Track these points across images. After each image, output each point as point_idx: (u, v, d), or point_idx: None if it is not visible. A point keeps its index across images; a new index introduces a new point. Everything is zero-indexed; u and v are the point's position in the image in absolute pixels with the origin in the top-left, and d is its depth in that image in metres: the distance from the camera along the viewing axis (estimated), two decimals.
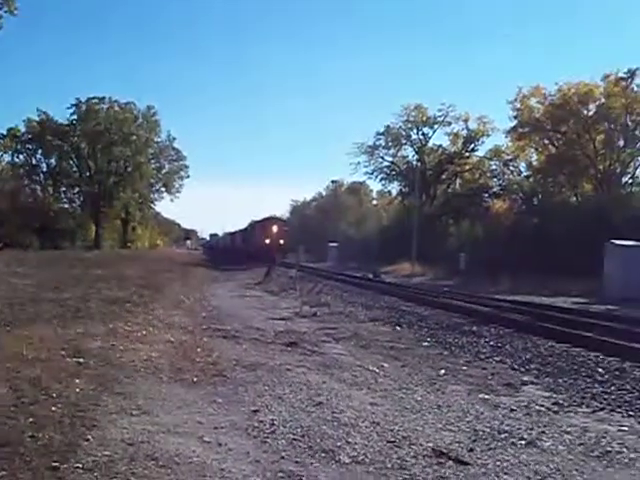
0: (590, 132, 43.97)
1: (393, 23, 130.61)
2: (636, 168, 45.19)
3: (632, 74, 42.20)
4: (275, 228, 52.82)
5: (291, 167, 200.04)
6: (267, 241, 50.28)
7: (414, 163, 60.99)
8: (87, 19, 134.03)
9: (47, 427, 5.29)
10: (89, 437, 5.20)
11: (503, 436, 5.81)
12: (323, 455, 5.19)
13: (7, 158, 71.60)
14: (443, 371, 9.00)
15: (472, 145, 58.61)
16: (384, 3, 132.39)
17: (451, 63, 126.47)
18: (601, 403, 7.28)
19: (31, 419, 5.48)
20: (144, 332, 11.16)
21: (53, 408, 5.88)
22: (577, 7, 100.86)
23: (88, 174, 72.53)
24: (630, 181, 45.43)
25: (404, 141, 61.57)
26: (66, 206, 73.54)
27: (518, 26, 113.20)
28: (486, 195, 57.33)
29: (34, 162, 73.30)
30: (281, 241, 51.56)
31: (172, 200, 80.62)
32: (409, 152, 62.71)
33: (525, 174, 54.39)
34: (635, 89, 42.73)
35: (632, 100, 42.31)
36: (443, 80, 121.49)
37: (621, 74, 42.77)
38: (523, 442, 5.66)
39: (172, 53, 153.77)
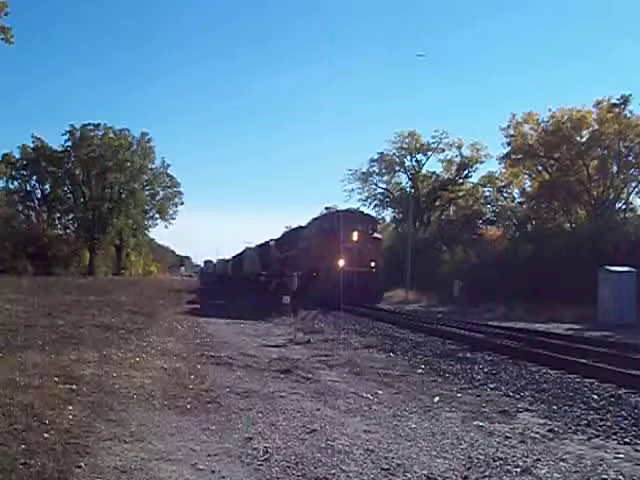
0: (583, 158, 44.22)
1: (389, 44, 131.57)
2: (629, 194, 45.41)
3: (625, 100, 42.55)
4: (358, 235, 29.97)
5: (285, 194, 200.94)
6: (339, 263, 28.21)
7: (408, 190, 61.27)
8: (83, 44, 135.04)
9: (39, 454, 5.25)
10: (82, 464, 5.17)
11: (498, 464, 5.79)
12: None
13: (1, 184, 71.74)
14: (437, 398, 8.96)
15: (466, 172, 58.99)
16: (377, 24, 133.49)
17: (445, 88, 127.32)
18: (597, 430, 7.25)
19: (23, 446, 5.44)
20: (137, 359, 11.11)
21: (46, 435, 5.84)
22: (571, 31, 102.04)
23: (82, 200, 72.56)
24: (624, 207, 45.59)
25: (398, 168, 61.94)
26: (60, 232, 73.56)
27: (513, 50, 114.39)
28: (480, 222, 57.56)
29: (28, 188, 73.54)
30: (372, 264, 29.81)
31: (166, 227, 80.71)
32: (403, 179, 63.09)
33: (519, 200, 54.65)
34: (628, 115, 43.05)
35: (625, 126, 42.60)
36: (437, 105, 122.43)
37: (614, 100, 43.12)
38: (518, 470, 5.63)
39: (165, 79, 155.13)
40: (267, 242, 51.09)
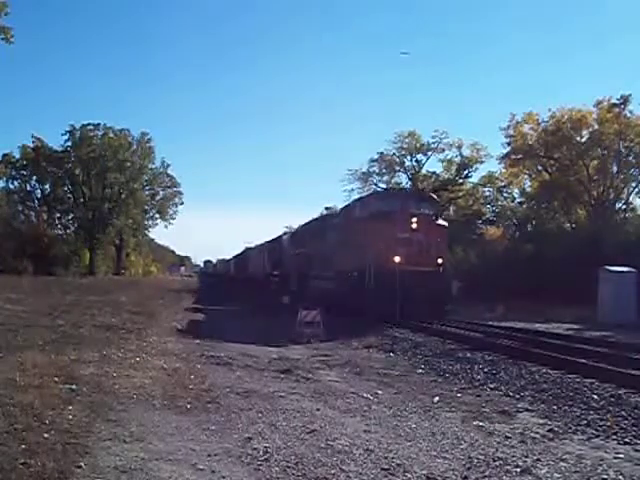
0: (583, 158, 44.20)
1: (389, 43, 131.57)
2: (629, 194, 45.39)
3: (625, 100, 42.54)
4: (419, 222, 22.08)
5: (285, 194, 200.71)
6: (394, 259, 20.89)
7: (408, 190, 61.11)
8: (83, 45, 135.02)
9: (39, 454, 5.25)
10: (81, 464, 5.17)
11: (498, 464, 5.79)
12: None
13: (1, 184, 71.66)
14: (437, 398, 8.97)
15: (466, 172, 58.78)
16: (377, 22, 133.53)
17: (445, 88, 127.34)
18: (597, 430, 7.25)
19: (23, 446, 5.44)
20: (137, 359, 11.11)
21: (46, 435, 5.84)
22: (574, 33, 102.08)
23: (82, 200, 72.48)
24: (624, 207, 45.59)
25: (398, 168, 61.72)
26: (60, 232, 73.43)
27: (513, 50, 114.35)
28: (480, 222, 57.47)
29: (28, 188, 73.44)
30: (439, 260, 22.26)
31: (166, 227, 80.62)
32: (403, 179, 62.80)
33: (519, 200, 54.61)
34: (628, 115, 43.03)
35: (625, 126, 42.56)
36: (437, 105, 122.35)
37: (614, 100, 43.11)
38: (518, 470, 5.63)
39: (165, 79, 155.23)
40: (279, 237, 44.41)
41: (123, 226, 73.70)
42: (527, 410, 8.36)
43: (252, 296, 35.57)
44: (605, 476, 5.56)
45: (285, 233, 44.99)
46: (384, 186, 61.54)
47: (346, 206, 29.39)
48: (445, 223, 24.82)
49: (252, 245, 61.66)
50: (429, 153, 59.95)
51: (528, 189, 52.39)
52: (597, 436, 7.02)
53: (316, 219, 36.44)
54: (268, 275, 44.14)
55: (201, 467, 5.40)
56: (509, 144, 48.83)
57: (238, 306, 28.68)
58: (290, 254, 37.00)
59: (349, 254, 23.79)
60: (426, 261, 21.54)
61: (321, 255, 28.60)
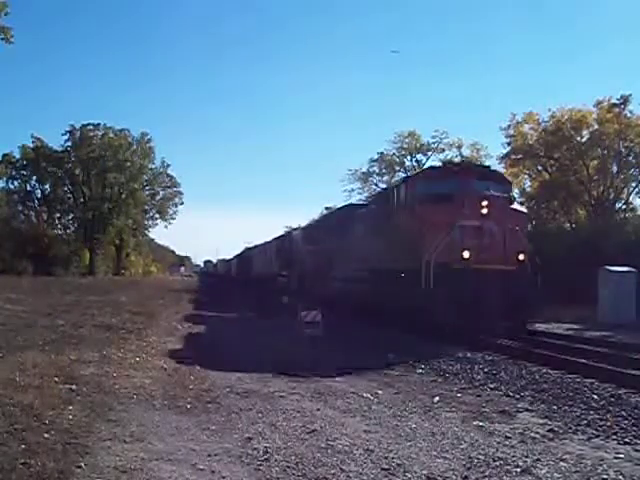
0: (583, 158, 44.15)
1: (390, 41, 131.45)
2: (630, 194, 45.30)
3: (625, 100, 42.50)
4: (491, 205, 16.68)
5: (285, 194, 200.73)
6: (463, 254, 16.16)
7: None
8: (83, 44, 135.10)
9: (39, 454, 5.26)
10: (82, 464, 5.17)
11: (498, 464, 5.79)
12: None
13: (1, 184, 71.58)
14: (437, 398, 8.96)
15: None
16: (377, 21, 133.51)
17: (445, 88, 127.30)
18: (597, 430, 7.25)
19: (23, 446, 5.45)
20: (137, 359, 11.12)
21: (46, 435, 5.84)
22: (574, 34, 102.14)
23: (82, 200, 72.44)
24: (624, 207, 45.55)
25: (398, 168, 61.69)
26: (60, 232, 73.28)
27: (513, 49, 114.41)
28: None
29: (28, 188, 73.33)
30: (520, 256, 17.19)
31: (166, 227, 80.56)
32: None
33: (519, 200, 54.49)
34: (628, 115, 42.99)
35: (625, 126, 42.50)
36: (437, 105, 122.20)
37: (614, 100, 43.10)
38: (518, 470, 5.63)
39: (165, 79, 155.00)
40: (288, 233, 41.53)
41: (123, 226, 73.61)
42: (527, 410, 8.36)
43: (258, 300, 30.82)
44: (605, 476, 5.56)
45: (296, 228, 41.06)
46: (384, 186, 61.63)
47: (383, 190, 25.41)
48: (524, 209, 20.36)
49: (252, 245, 61.42)
50: (429, 153, 59.88)
51: (528, 189, 52.28)
52: (597, 436, 7.01)
53: (339, 209, 31.24)
54: (276, 276, 40.38)
55: (201, 467, 5.40)
56: (509, 144, 48.75)
57: (242, 312, 24.91)
58: (303, 252, 33.06)
59: (392, 249, 18.96)
60: (502, 257, 16.59)
61: (348, 251, 24.04)
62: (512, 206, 18.27)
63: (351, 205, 29.80)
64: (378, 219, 21.04)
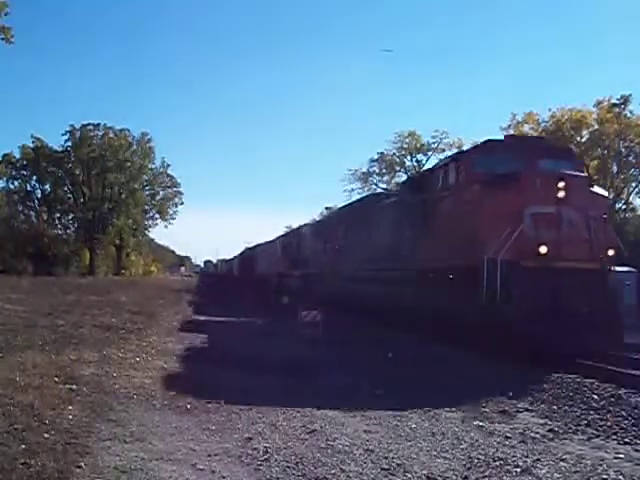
0: (583, 158, 44.15)
1: (390, 40, 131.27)
2: (629, 194, 45.43)
3: (625, 100, 42.58)
4: (568, 187, 12.88)
5: (285, 194, 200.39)
6: (540, 249, 12.51)
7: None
8: (83, 43, 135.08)
9: (40, 454, 5.25)
10: (82, 464, 5.17)
11: (498, 464, 5.78)
12: None
13: (1, 184, 71.57)
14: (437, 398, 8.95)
15: None
16: (377, 18, 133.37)
17: (446, 88, 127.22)
18: (597, 430, 7.25)
19: (23, 446, 5.44)
20: (138, 359, 11.12)
21: (46, 435, 5.84)
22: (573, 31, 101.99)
23: (82, 200, 72.39)
24: (624, 207, 45.60)
25: (398, 168, 61.72)
26: (60, 232, 73.26)
27: (513, 49, 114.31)
28: None
29: (29, 188, 73.31)
30: (609, 251, 13.84)
31: (166, 227, 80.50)
32: (403, 179, 62.87)
33: None
34: (628, 115, 43.06)
35: (625, 126, 42.59)
36: (437, 105, 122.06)
37: (614, 100, 43.15)
38: (518, 470, 5.63)
39: (165, 79, 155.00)
40: (296, 229, 38.64)
41: (123, 226, 73.55)
42: (527, 410, 8.36)
43: (263, 302, 29.56)
44: (605, 476, 5.56)
45: (306, 224, 38.06)
46: (384, 186, 61.51)
47: (421, 174, 21.60)
48: (604, 192, 16.70)
49: (252, 245, 61.23)
50: (429, 153, 59.87)
51: None
52: (597, 436, 7.02)
53: (359, 200, 27.84)
54: (283, 276, 37.41)
55: (201, 467, 5.40)
56: None
57: (246, 316, 23.08)
58: (315, 250, 29.90)
59: (435, 244, 15.85)
60: (588, 253, 13.29)
61: (373, 248, 20.90)
62: (593, 189, 14.64)
63: (375, 195, 26.58)
64: (414, 208, 17.60)
